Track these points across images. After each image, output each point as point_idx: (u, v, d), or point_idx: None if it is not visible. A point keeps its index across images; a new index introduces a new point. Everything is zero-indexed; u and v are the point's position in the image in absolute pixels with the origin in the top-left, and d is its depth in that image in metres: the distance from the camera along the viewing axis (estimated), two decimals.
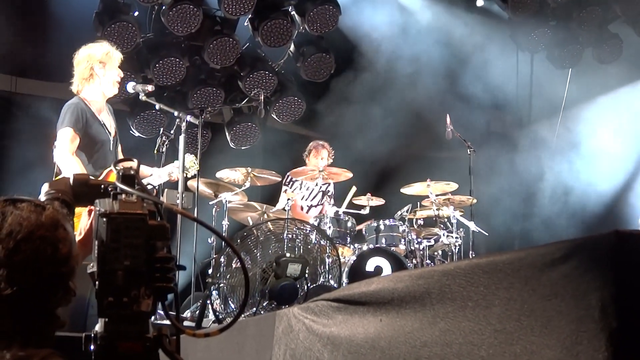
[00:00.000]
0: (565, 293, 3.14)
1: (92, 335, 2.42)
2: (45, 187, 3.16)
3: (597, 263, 3.06)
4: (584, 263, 3.11)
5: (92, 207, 2.98)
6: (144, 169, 8.54)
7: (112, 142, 8.14)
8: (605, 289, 2.99)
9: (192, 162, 9.00)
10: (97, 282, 2.40)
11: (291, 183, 11.50)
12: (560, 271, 3.19)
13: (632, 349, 2.95)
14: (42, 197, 3.10)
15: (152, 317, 2.46)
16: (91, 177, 3.20)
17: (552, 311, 3.18)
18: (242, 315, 8.59)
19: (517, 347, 3.28)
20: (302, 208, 11.50)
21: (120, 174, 2.66)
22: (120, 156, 8.42)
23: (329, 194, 11.52)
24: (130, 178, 2.64)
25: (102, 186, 3.02)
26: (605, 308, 2.97)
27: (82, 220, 3.42)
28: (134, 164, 2.72)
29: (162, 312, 5.01)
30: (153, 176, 8.52)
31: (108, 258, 2.38)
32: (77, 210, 3.20)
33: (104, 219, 2.42)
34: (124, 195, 2.53)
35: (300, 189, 11.54)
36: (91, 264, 2.45)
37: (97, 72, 8.01)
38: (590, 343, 2.99)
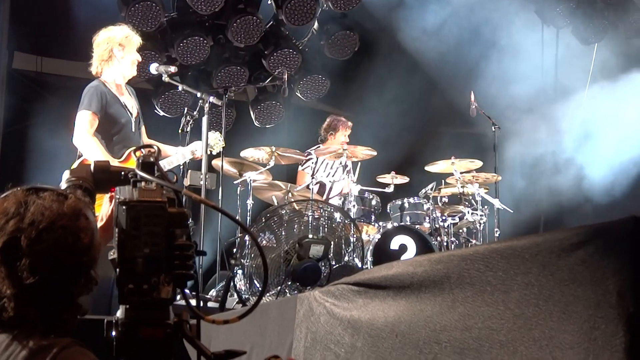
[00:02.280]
0: (583, 278, 3.14)
1: (114, 321, 2.45)
2: (66, 174, 3.18)
3: (615, 248, 3.06)
4: (602, 248, 3.11)
5: (113, 194, 3.00)
6: (168, 149, 8.59)
7: (134, 122, 8.20)
8: (622, 274, 2.99)
9: (216, 140, 9.02)
10: (117, 269, 2.42)
11: (305, 162, 11.48)
12: (577, 256, 3.19)
13: None
14: (64, 185, 3.12)
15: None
16: (112, 164, 3.22)
17: (570, 296, 3.18)
18: (266, 296, 8.67)
19: (536, 332, 3.29)
20: (323, 185, 11.43)
21: (140, 161, 2.67)
22: (144, 136, 8.49)
23: (348, 169, 11.51)
24: (150, 165, 2.66)
25: (123, 173, 3.04)
26: (623, 293, 2.97)
27: (104, 207, 3.46)
28: (154, 150, 2.74)
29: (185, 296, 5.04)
30: (177, 155, 8.56)
31: (128, 246, 2.40)
32: (98, 195, 3.22)
33: (124, 207, 2.44)
34: (143, 183, 2.55)
35: (315, 167, 11.50)
36: (112, 251, 2.48)
37: (116, 54, 8.10)
38: (608, 328, 2.99)
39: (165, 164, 8.33)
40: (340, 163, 11.16)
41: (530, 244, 3.44)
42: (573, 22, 13.74)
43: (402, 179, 11.34)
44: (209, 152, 8.85)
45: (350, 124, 11.78)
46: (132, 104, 8.33)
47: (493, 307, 3.51)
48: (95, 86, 8.03)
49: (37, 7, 11.79)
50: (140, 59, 8.35)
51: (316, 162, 11.49)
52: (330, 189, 11.38)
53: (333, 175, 11.52)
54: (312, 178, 10.24)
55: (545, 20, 13.94)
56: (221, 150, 9.25)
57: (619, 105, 13.60)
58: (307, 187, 10.23)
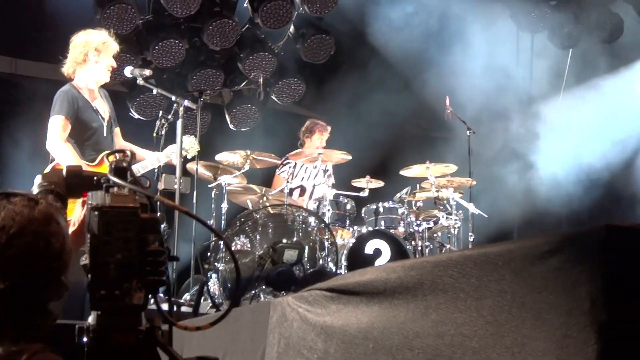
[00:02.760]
0: (556, 286, 3.15)
1: (85, 327, 2.43)
2: (38, 179, 3.17)
3: (588, 256, 3.07)
4: (575, 256, 3.12)
5: (86, 199, 2.99)
6: (143, 152, 8.57)
7: (105, 127, 8.17)
8: (595, 282, 3.01)
9: (191, 143, 9.02)
10: (89, 275, 2.41)
11: (282, 166, 11.50)
12: (550, 264, 3.20)
13: (621, 342, 2.96)
14: (35, 189, 3.11)
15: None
16: (84, 169, 3.20)
17: (543, 303, 3.19)
18: (241, 300, 8.66)
19: (508, 339, 3.30)
20: (304, 189, 11.45)
21: (113, 166, 2.66)
22: (120, 139, 8.46)
23: (328, 173, 11.53)
24: (122, 170, 2.65)
25: (95, 178, 3.03)
26: (595, 301, 2.98)
27: (76, 211, 3.44)
28: (127, 155, 2.73)
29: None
30: (151, 159, 8.54)
31: (100, 251, 2.39)
32: (70, 200, 3.21)
33: (96, 213, 2.43)
34: (116, 188, 2.54)
35: (294, 171, 11.52)
36: (84, 256, 2.47)
37: (91, 58, 8.07)
38: (580, 335, 3.01)
39: (140, 168, 8.32)
40: (321, 167, 11.19)
41: (503, 251, 3.45)
42: (548, 27, 13.78)
43: (377, 183, 11.36)
44: (183, 156, 8.84)
45: (328, 127, 11.79)
46: (104, 108, 8.29)
47: (466, 314, 3.52)
48: (66, 91, 8.00)
49: (11, 9, 11.72)
50: (115, 66, 8.31)
51: (294, 167, 11.50)
52: (312, 192, 11.39)
53: (314, 179, 11.50)
54: (287, 182, 10.24)
55: (520, 25, 13.99)
56: (196, 154, 9.24)
57: (594, 110, 13.67)
58: (282, 191, 10.22)
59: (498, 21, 13.58)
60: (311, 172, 11.63)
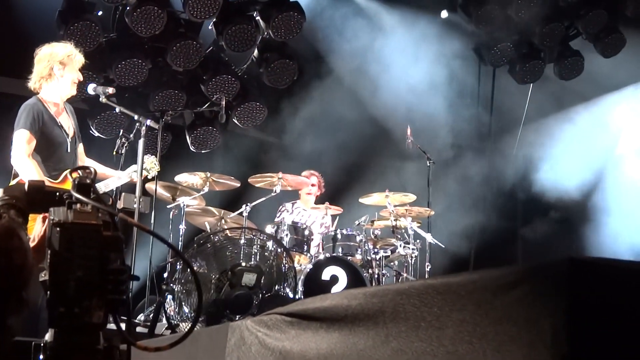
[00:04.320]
0: (518, 317, 3.15)
1: (42, 344, 2.39)
2: None
3: (551, 289, 3.08)
4: (538, 288, 3.12)
5: (47, 214, 2.95)
6: (105, 170, 8.49)
7: (69, 143, 8.06)
8: (557, 315, 3.00)
9: (152, 163, 8.94)
10: (48, 292, 2.37)
11: (280, 213, 11.56)
12: (513, 295, 3.20)
13: None
14: None
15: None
16: (47, 184, 3.16)
17: (504, 335, 3.19)
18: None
19: None
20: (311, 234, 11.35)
21: (76, 182, 2.63)
22: (83, 156, 8.38)
23: (325, 225, 11.58)
24: (86, 187, 2.62)
25: (58, 194, 2.98)
26: (557, 334, 2.98)
27: (36, 227, 3.39)
28: (90, 172, 2.70)
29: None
30: (114, 178, 8.47)
31: (60, 268, 2.37)
32: (32, 216, 3.16)
33: (58, 229, 2.40)
34: (79, 205, 2.51)
35: (291, 214, 11.61)
36: (43, 272, 2.43)
37: (56, 72, 7.94)
38: None
39: (102, 187, 8.23)
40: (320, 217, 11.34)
41: (466, 281, 3.45)
42: (510, 61, 13.90)
43: (336, 210, 11.37)
44: (144, 176, 8.77)
45: (309, 180, 11.86)
46: (69, 124, 8.19)
47: (427, 343, 3.51)
48: (32, 104, 7.87)
49: None
50: (81, 79, 8.19)
51: (291, 213, 11.59)
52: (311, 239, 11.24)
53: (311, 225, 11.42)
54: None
55: (482, 58, 14.09)
56: (156, 174, 9.18)
57: (553, 143, 13.81)
58: (241, 214, 10.19)
59: (460, 53, 13.68)
60: (309, 218, 11.69)
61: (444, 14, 13.77)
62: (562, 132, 13.91)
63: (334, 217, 11.44)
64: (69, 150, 8.03)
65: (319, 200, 11.82)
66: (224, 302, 8.78)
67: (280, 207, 11.44)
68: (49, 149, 7.87)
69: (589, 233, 13.48)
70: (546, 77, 14.00)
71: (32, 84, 8.01)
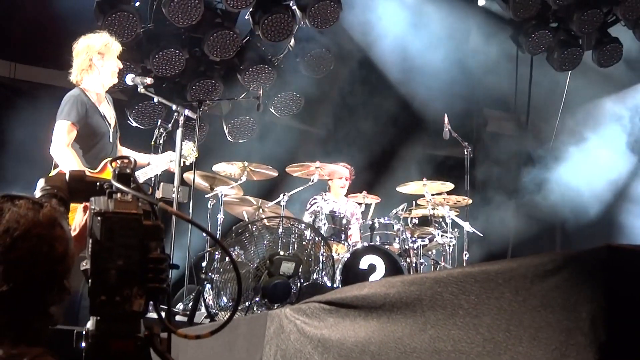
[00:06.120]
0: (555, 305, 3.15)
1: (84, 332, 2.42)
2: (41, 183, 3.15)
3: (588, 276, 3.07)
4: (575, 276, 3.12)
5: (88, 204, 2.98)
6: (142, 158, 8.52)
7: (111, 133, 8.12)
8: (595, 302, 3.00)
9: (190, 150, 8.95)
10: (90, 280, 2.40)
11: (310, 206, 11.51)
12: (551, 283, 3.20)
13: None
14: (38, 193, 3.09)
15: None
16: (87, 174, 3.19)
17: (542, 322, 3.19)
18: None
19: (505, 357, 3.29)
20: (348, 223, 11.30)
21: (116, 172, 2.65)
22: (119, 146, 8.42)
23: (356, 216, 11.54)
24: (126, 177, 2.64)
25: (98, 183, 3.01)
26: (595, 321, 2.98)
27: (77, 216, 3.42)
28: (130, 162, 2.72)
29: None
30: (152, 166, 8.50)
31: (101, 257, 2.39)
32: (72, 205, 3.19)
33: (99, 218, 2.42)
34: (119, 194, 2.53)
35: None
36: (84, 261, 2.46)
37: (96, 63, 7.99)
38: (579, 355, 3.00)
39: (140, 175, 8.26)
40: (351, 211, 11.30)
41: (504, 269, 3.44)
42: (548, 48, 13.80)
43: (374, 199, 11.36)
44: (182, 163, 8.79)
45: (344, 172, 11.77)
46: (110, 114, 8.24)
47: (464, 331, 3.52)
48: (76, 95, 7.91)
49: (11, 13, 11.73)
50: (120, 66, 8.23)
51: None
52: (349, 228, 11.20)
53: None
54: (284, 195, 10.18)
55: (519, 45, 14.00)
56: (194, 161, 9.21)
57: (591, 131, 13.72)
58: (278, 203, 10.20)
59: (498, 41, 13.62)
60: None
61: (481, 1, 13.68)
62: (601, 120, 13.83)
63: (368, 205, 11.40)
64: (111, 140, 8.09)
65: (352, 190, 11.80)
66: (262, 291, 8.80)
67: (311, 199, 11.39)
68: (92, 139, 7.92)
69: (630, 223, 13.41)
70: (584, 65, 13.89)
71: (74, 77, 8.06)
